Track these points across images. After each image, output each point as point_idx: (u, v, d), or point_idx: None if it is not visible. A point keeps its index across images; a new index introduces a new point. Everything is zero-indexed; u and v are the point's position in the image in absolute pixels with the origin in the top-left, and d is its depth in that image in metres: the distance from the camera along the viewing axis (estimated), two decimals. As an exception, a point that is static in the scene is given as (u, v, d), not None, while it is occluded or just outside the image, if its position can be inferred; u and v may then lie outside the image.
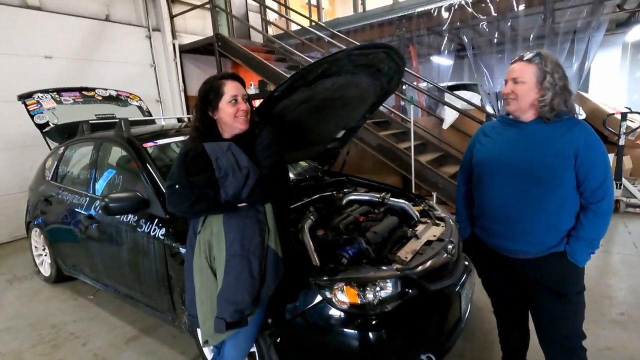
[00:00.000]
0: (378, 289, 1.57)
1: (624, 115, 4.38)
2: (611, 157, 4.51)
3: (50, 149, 3.60)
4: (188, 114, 6.97)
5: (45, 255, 3.46)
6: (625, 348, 2.11)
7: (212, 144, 1.39)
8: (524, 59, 1.37)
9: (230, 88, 1.44)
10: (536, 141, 1.37)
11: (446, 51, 6.11)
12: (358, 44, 4.63)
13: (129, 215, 2.26)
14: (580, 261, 1.38)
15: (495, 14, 5.04)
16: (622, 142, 4.35)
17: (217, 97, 1.43)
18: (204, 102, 1.45)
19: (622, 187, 4.41)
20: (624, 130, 4.35)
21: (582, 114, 5.14)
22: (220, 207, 1.38)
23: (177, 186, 1.37)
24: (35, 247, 3.59)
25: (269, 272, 1.43)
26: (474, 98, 5.05)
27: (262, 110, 1.75)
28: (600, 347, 2.09)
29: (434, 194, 4.27)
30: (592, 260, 1.47)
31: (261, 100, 1.80)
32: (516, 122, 1.45)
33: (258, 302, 1.41)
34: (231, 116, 1.44)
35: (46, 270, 3.49)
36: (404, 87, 5.85)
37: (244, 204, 1.41)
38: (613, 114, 4.81)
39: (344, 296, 1.55)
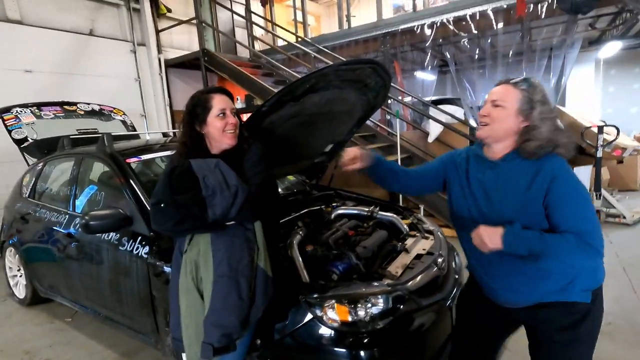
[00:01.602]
0: (369, 305, 1.54)
1: (600, 129, 4.54)
2: (589, 169, 4.66)
3: (29, 165, 3.47)
4: (173, 128, 6.89)
5: (20, 276, 3.29)
6: (615, 359, 2.13)
7: (199, 161, 1.35)
8: (510, 81, 1.21)
9: (218, 101, 1.42)
10: (508, 186, 1.20)
11: (429, 67, 6.29)
12: (343, 59, 4.70)
13: (111, 234, 2.18)
14: (506, 243, 1.11)
15: (476, 32, 5.22)
16: (599, 154, 4.51)
17: (205, 111, 1.40)
18: (192, 116, 1.42)
19: (601, 197, 4.55)
20: (601, 143, 4.51)
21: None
22: (207, 226, 1.34)
23: (162, 204, 1.32)
24: (10, 267, 3.41)
25: (258, 293, 1.39)
26: (458, 112, 5.16)
27: (250, 125, 1.73)
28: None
29: (421, 207, 4.30)
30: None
31: (249, 114, 1.79)
32: (487, 161, 1.27)
33: (247, 325, 1.36)
34: (219, 130, 1.41)
35: (21, 292, 3.31)
36: (389, 101, 5.95)
37: (232, 222, 1.37)
38: (590, 127, 4.98)
39: (335, 314, 1.51)
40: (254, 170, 1.41)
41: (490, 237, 1.12)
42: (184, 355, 1.76)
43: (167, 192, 1.31)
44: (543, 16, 4.71)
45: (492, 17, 5.01)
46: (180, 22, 6.84)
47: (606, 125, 4.71)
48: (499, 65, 5.35)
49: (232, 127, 1.43)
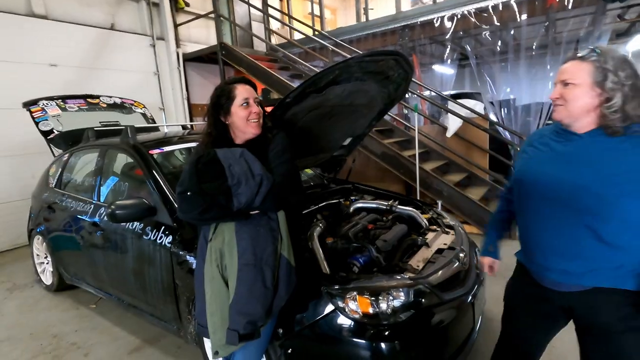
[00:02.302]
0: (391, 298, 1.53)
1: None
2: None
3: (54, 156, 3.58)
4: (191, 121, 6.98)
5: (47, 263, 3.42)
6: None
7: (224, 150, 1.37)
8: (577, 56, 1.14)
9: (241, 91, 1.44)
10: (588, 160, 1.12)
11: (449, 60, 6.16)
12: (361, 52, 4.65)
13: (135, 223, 2.23)
14: None
15: (498, 24, 5.08)
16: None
17: (229, 101, 1.43)
18: (216, 107, 1.45)
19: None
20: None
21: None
22: (232, 214, 1.35)
23: (188, 193, 1.35)
24: (37, 254, 3.54)
25: (282, 282, 1.40)
26: (477, 106, 5.06)
27: (274, 117, 1.74)
28: None
29: (439, 202, 4.24)
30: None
31: (270, 107, 1.80)
32: (568, 133, 1.19)
33: (271, 313, 1.38)
34: (243, 119, 1.43)
35: (47, 278, 3.44)
36: (407, 95, 5.87)
37: (256, 212, 1.38)
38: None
39: (357, 305, 1.51)
40: (279, 160, 1.43)
41: None
42: (206, 341, 1.81)
43: (194, 181, 1.33)
44: (570, 7, 4.54)
45: (515, 8, 4.86)
46: (199, 16, 6.89)
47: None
48: (522, 58, 5.20)
49: (256, 116, 1.44)
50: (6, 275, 3.99)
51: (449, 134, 4.93)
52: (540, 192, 1.21)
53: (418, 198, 4.20)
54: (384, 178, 5.25)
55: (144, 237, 2.16)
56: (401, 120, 5.66)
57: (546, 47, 5.21)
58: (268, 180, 1.34)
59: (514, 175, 1.36)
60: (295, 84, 5.58)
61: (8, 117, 4.69)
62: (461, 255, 1.91)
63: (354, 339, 1.49)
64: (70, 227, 2.86)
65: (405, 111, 6.25)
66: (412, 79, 2.12)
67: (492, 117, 5.61)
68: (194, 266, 1.64)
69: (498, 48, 5.47)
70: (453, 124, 4.90)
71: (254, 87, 1.50)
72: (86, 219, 2.67)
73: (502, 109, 5.76)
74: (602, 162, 1.10)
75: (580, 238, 1.14)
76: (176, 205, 1.92)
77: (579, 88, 1.12)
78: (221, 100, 1.44)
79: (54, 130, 3.54)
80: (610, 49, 1.13)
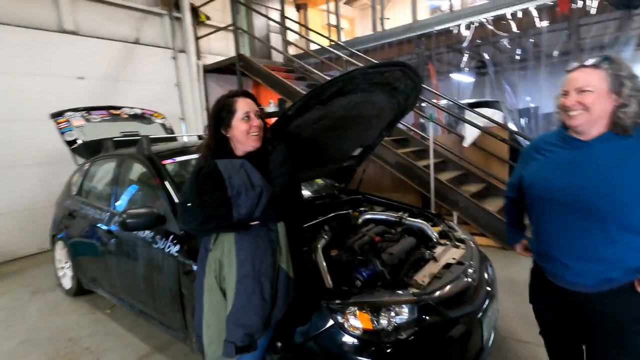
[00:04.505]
0: (393, 314, 1.49)
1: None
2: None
3: (77, 165, 3.74)
4: (209, 131, 7.15)
5: (67, 268, 3.54)
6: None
7: (225, 162, 1.38)
8: (587, 64, 1.19)
9: (242, 105, 1.45)
10: (595, 165, 1.19)
11: (466, 68, 6.07)
12: (376, 62, 4.64)
13: (146, 231, 2.29)
14: None
15: (517, 31, 4.97)
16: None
17: (230, 115, 1.44)
18: (217, 120, 1.46)
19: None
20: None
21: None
22: (232, 226, 1.36)
23: (188, 204, 1.37)
24: (59, 260, 3.68)
25: (280, 294, 1.40)
26: (496, 115, 4.93)
27: (277, 128, 1.75)
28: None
29: (455, 214, 4.13)
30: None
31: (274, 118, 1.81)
32: (575, 140, 1.25)
33: (269, 325, 1.37)
34: (244, 133, 1.44)
35: (67, 283, 3.56)
36: (423, 104, 5.80)
37: (256, 223, 1.39)
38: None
39: (357, 321, 1.48)
40: (279, 172, 1.43)
41: None
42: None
43: (194, 192, 1.35)
44: (594, 12, 4.38)
45: (535, 15, 4.75)
46: (218, 29, 7.10)
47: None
48: (542, 66, 5.05)
49: (257, 130, 1.45)
50: (31, 278, 4.16)
51: (465, 143, 4.82)
52: (555, 197, 1.26)
53: (433, 209, 4.11)
54: (399, 188, 5.18)
55: (154, 245, 2.21)
56: (416, 130, 5.59)
57: (568, 53, 5.04)
58: (267, 191, 1.35)
59: (525, 181, 1.39)
60: (311, 94, 5.62)
61: (38, 128, 4.93)
62: (470, 270, 1.85)
63: (354, 356, 1.45)
64: (88, 234, 2.96)
65: (422, 120, 6.18)
66: (428, 88, 2.10)
67: (511, 126, 5.45)
68: (198, 276, 1.65)
69: (517, 56, 5.34)
70: (470, 133, 4.79)
71: (255, 99, 1.52)
72: (102, 226, 2.76)
73: (523, 118, 5.60)
74: (610, 166, 1.16)
75: (597, 241, 1.19)
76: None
77: (596, 94, 1.16)
78: (222, 114, 1.45)
79: (77, 141, 3.70)
80: (620, 58, 1.18)
